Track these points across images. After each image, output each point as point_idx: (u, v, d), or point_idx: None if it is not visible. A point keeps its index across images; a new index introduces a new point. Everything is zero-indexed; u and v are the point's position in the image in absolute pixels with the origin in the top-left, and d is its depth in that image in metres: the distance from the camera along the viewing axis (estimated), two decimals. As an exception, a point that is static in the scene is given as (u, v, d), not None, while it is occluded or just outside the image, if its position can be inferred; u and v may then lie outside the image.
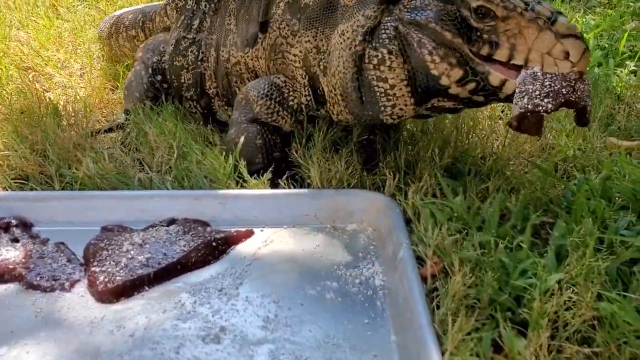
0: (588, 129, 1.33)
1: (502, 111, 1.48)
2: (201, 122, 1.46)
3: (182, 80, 1.46)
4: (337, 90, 1.15)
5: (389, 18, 1.07)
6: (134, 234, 1.07)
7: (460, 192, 1.05)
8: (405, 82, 1.05)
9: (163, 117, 1.39)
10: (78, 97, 1.61)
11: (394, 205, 1.10)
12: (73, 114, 1.43)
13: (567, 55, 0.92)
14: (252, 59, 1.32)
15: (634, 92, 1.53)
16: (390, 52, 1.05)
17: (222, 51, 1.38)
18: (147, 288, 0.97)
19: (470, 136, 1.32)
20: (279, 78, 1.25)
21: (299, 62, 1.23)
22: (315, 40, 1.20)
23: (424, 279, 0.91)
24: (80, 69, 1.88)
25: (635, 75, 1.63)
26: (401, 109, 1.08)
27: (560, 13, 0.96)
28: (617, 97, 1.53)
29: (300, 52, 1.22)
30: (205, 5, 1.45)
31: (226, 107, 1.42)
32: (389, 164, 1.22)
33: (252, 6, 1.33)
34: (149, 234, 1.07)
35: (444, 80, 1.01)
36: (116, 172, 1.23)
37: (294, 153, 1.24)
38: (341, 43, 1.13)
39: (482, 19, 0.98)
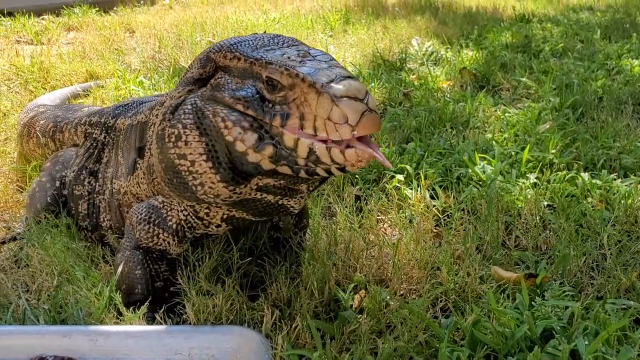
0: (473, 258, 1.34)
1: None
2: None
3: (80, 210, 1.44)
4: (159, 177, 1.12)
5: (192, 95, 1.07)
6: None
7: (327, 338, 1.04)
8: (204, 157, 1.02)
9: (53, 236, 1.37)
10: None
11: (266, 348, 1.08)
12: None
13: (347, 119, 0.87)
14: (134, 186, 1.31)
15: (532, 206, 1.55)
16: (185, 127, 1.03)
17: (115, 183, 1.38)
18: None
19: (359, 258, 1.32)
20: (157, 199, 1.23)
21: None
22: None
23: None
24: (-7, 164, 1.86)
25: (534, 188, 1.65)
26: (211, 188, 1.04)
27: (349, 77, 0.91)
28: (517, 213, 1.55)
29: None
30: (106, 137, 1.46)
31: (119, 241, 1.37)
32: (270, 296, 1.21)
33: (131, 135, 1.33)
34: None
35: (239, 146, 0.98)
36: (-10, 300, 1.20)
37: (179, 279, 1.22)
38: (155, 129, 1.11)
39: (273, 90, 0.96)
